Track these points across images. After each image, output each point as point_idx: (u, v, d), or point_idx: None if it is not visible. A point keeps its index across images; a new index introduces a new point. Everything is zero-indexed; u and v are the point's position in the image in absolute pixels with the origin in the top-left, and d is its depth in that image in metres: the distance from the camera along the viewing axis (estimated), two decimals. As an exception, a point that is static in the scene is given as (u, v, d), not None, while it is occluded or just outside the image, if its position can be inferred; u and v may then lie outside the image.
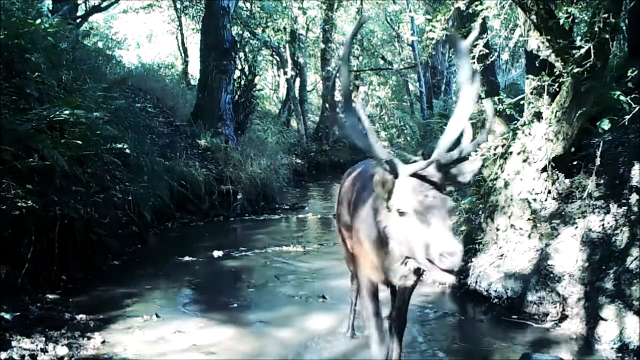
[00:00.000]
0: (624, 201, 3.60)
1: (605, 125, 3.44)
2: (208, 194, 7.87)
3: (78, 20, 10.08)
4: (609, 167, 3.79)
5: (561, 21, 3.45)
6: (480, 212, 4.49)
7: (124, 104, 6.90)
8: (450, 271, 1.74)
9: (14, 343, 3.07)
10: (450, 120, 2.09)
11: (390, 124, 16.71)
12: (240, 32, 11.01)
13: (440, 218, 1.80)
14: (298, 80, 15.80)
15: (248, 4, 12.85)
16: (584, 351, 3.24)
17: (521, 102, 4.34)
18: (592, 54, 3.24)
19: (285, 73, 15.16)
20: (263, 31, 12.01)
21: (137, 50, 18.44)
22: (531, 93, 4.21)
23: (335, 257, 4.96)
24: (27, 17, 4.99)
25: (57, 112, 4.37)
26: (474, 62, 3.83)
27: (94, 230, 4.68)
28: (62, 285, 4.21)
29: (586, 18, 3.79)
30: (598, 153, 3.69)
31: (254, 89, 10.71)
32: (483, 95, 4.45)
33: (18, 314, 3.51)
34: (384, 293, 2.76)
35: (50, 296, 3.96)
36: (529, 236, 3.99)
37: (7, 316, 3.41)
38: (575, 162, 4.05)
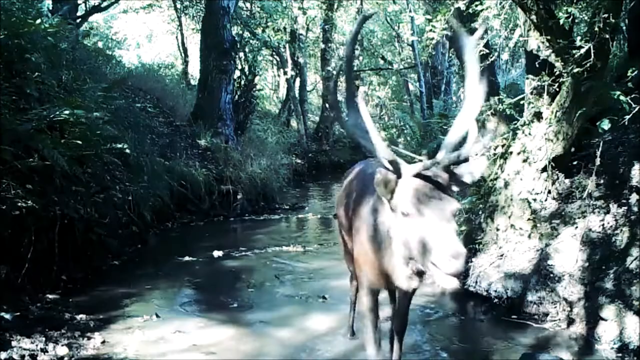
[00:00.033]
0: (624, 201, 3.60)
1: (605, 125, 3.44)
2: (208, 194, 7.85)
3: (78, 20, 10.06)
4: (609, 167, 3.79)
5: (561, 21, 3.45)
6: (480, 212, 4.50)
7: (124, 104, 6.90)
8: (454, 275, 1.68)
9: (14, 343, 3.06)
10: (456, 119, 2.01)
11: (390, 124, 16.73)
12: (240, 32, 10.98)
13: (445, 220, 1.74)
14: (298, 80, 15.80)
15: (248, 4, 12.86)
16: (584, 351, 3.24)
17: (521, 102, 4.34)
18: (592, 54, 3.24)
19: (285, 73, 15.17)
20: (263, 31, 12.00)
21: (137, 50, 18.51)
22: (531, 93, 4.21)
23: (335, 257, 4.96)
24: (27, 17, 4.98)
25: (57, 112, 4.37)
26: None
27: (94, 230, 4.67)
28: (62, 285, 4.21)
29: (586, 18, 3.79)
30: (598, 153, 3.69)
31: (254, 89, 10.68)
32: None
33: (18, 314, 3.50)
34: (384, 293, 2.76)
35: (50, 296, 3.96)
36: (529, 236, 3.99)
37: (7, 316, 3.40)
38: (575, 162, 4.05)
